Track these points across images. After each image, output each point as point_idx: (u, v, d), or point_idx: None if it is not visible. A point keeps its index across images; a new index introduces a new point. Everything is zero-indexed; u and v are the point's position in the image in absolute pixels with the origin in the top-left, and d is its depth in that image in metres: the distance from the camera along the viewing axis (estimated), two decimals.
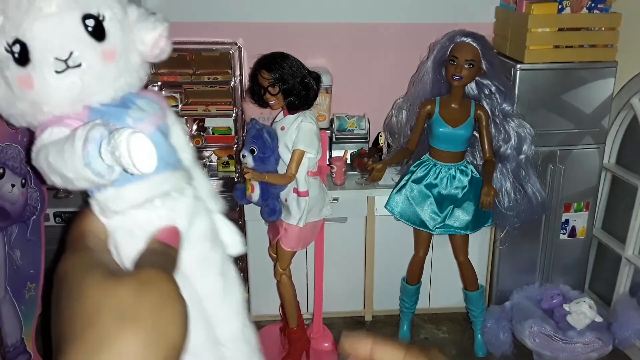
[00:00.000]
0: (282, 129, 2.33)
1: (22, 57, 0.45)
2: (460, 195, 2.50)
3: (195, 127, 3.04)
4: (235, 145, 2.88)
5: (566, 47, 2.64)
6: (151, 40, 0.49)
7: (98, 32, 0.46)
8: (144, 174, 0.42)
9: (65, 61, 0.45)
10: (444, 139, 2.47)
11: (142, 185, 0.47)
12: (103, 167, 0.41)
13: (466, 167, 2.53)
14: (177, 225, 0.49)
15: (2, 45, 0.45)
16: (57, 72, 0.45)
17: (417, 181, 2.54)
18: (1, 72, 0.46)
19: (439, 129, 2.46)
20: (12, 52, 0.44)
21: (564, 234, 2.89)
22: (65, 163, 0.42)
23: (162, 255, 0.45)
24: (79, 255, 0.43)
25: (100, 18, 0.46)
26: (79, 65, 0.45)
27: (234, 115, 2.84)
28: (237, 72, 2.83)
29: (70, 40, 0.45)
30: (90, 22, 0.46)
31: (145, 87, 0.51)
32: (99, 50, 0.46)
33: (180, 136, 0.55)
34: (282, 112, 2.37)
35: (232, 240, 0.57)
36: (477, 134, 2.52)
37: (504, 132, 2.51)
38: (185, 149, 0.55)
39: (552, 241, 2.89)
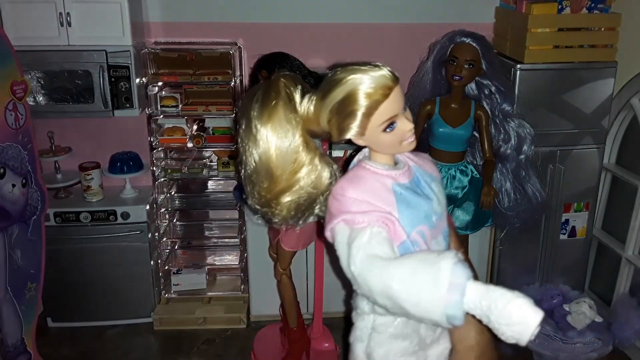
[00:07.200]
0: None
1: None
2: (460, 195, 2.50)
3: (195, 127, 3.03)
4: (235, 146, 2.87)
5: (566, 47, 2.64)
6: None
7: None
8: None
9: None
10: (444, 139, 2.47)
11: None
12: (460, 318, 0.35)
13: (466, 167, 2.53)
14: None
15: None
16: None
17: None
18: None
19: (439, 129, 2.46)
20: None
21: (564, 234, 2.89)
22: (418, 301, 0.36)
23: None
24: None
25: None
26: None
27: (234, 115, 2.84)
28: (237, 72, 2.83)
29: None
30: None
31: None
32: None
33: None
34: None
35: None
36: (477, 134, 2.52)
37: (504, 132, 2.51)
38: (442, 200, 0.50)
39: (552, 241, 2.89)
